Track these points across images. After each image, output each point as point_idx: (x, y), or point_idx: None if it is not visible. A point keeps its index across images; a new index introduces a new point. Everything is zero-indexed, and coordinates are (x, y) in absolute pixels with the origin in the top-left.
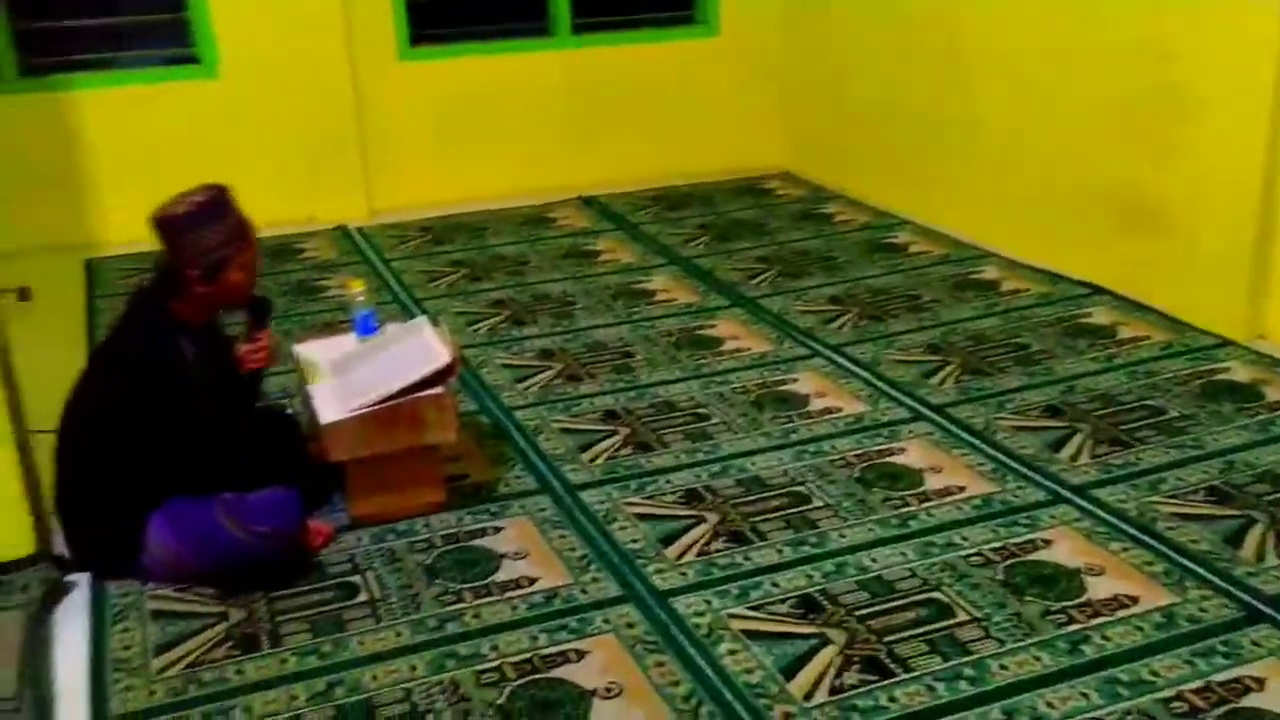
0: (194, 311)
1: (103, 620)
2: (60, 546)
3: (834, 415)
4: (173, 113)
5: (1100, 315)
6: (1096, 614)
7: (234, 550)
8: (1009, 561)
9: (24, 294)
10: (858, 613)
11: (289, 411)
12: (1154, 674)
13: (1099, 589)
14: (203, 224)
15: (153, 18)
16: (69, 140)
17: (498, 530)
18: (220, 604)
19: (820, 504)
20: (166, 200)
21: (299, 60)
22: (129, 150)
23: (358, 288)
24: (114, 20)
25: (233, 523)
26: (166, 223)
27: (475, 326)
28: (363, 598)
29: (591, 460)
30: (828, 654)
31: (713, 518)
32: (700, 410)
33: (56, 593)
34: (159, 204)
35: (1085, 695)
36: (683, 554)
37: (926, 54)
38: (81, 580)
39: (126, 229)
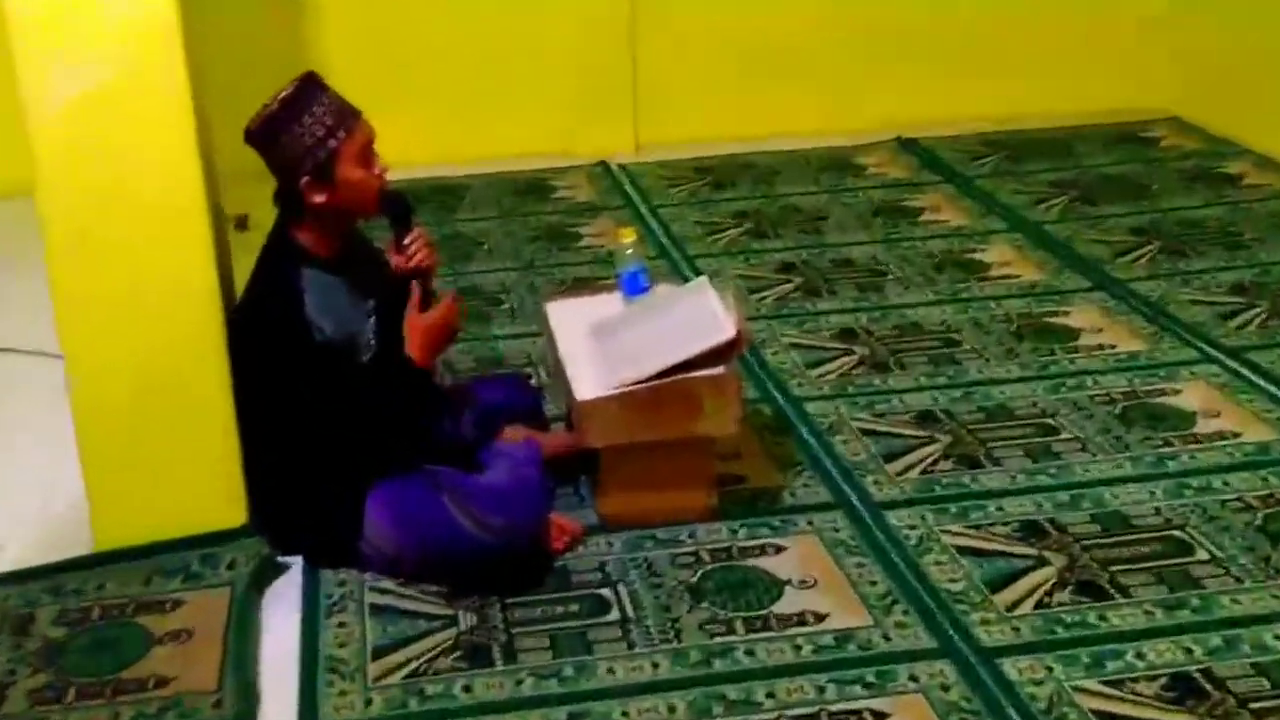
0: (321, 234)
1: (317, 610)
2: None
3: (1230, 441)
4: (426, 20)
5: None
6: None
7: (461, 544)
8: None
9: (242, 223)
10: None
11: (532, 382)
12: None
13: None
14: (296, 118)
15: None
16: (314, 48)
17: (778, 550)
18: (449, 605)
19: (1207, 557)
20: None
21: None
22: (379, 68)
23: (628, 238)
24: None
25: (461, 510)
26: (258, 132)
27: (760, 295)
28: (613, 615)
29: (900, 473)
30: None
31: (1058, 561)
32: (1046, 421)
33: (267, 572)
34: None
35: None
36: (1017, 604)
37: None
38: (296, 560)
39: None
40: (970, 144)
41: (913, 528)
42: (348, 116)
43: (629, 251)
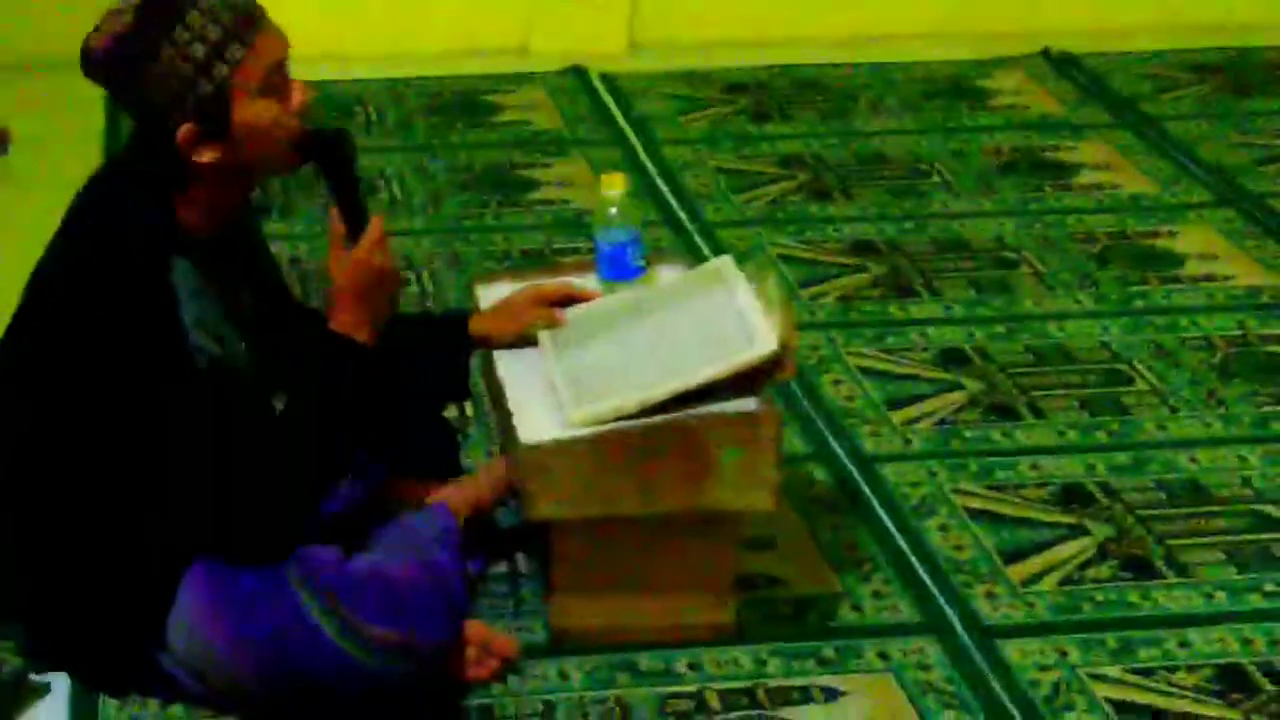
0: (209, 205)
1: None
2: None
3: None
4: None
5: None
6: None
7: (325, 671)
8: None
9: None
10: None
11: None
12: None
13: None
14: (162, 33)
15: None
16: None
17: (832, 695)
18: None
19: None
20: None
21: None
22: None
23: (614, 189)
24: None
25: (327, 615)
26: (102, 58)
27: (817, 291)
28: None
29: (1030, 580)
30: None
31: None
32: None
33: (15, 698)
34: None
35: None
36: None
37: None
38: (59, 681)
39: None
40: (1154, 66)
41: (1046, 665)
42: (242, 24)
43: (613, 212)
